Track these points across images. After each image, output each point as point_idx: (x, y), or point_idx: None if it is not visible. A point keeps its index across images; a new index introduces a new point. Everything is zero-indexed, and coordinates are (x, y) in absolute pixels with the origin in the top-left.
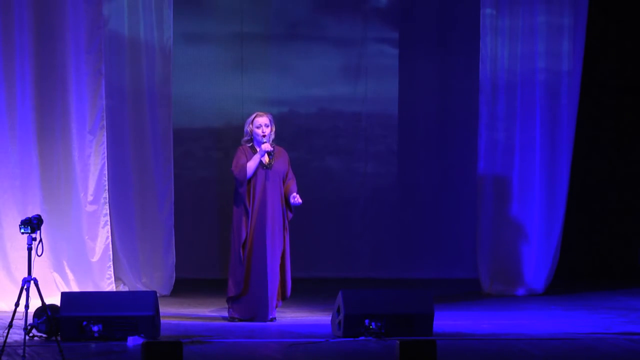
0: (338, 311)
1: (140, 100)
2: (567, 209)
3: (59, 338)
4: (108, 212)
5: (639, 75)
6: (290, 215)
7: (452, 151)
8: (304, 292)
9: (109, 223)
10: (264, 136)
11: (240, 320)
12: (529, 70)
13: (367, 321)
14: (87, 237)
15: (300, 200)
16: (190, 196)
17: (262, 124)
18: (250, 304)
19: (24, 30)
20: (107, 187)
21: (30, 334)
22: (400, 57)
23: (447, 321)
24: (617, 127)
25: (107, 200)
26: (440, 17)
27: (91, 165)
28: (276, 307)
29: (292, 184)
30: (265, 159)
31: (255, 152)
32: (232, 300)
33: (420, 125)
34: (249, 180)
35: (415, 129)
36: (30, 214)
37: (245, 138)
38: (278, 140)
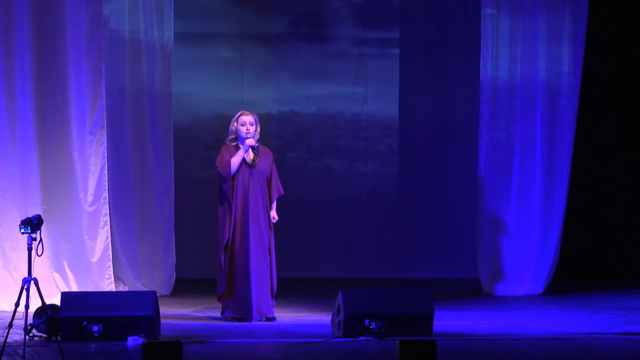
0: (338, 311)
1: (140, 100)
2: (566, 208)
3: (59, 338)
4: (108, 212)
5: (638, 76)
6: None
7: (452, 151)
8: (304, 292)
9: (108, 223)
10: (248, 133)
11: (238, 320)
12: (529, 70)
13: (367, 321)
14: (87, 237)
15: (277, 218)
16: (190, 196)
17: (246, 122)
18: (239, 303)
19: (24, 30)
20: (107, 187)
21: (30, 334)
22: (400, 57)
23: (447, 321)
24: (617, 127)
25: (107, 200)
26: (441, 17)
27: (91, 165)
28: (273, 306)
29: (275, 189)
30: (250, 155)
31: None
32: (223, 299)
33: (420, 125)
34: (233, 177)
35: (415, 129)
36: (30, 214)
37: (230, 137)
38: (278, 140)
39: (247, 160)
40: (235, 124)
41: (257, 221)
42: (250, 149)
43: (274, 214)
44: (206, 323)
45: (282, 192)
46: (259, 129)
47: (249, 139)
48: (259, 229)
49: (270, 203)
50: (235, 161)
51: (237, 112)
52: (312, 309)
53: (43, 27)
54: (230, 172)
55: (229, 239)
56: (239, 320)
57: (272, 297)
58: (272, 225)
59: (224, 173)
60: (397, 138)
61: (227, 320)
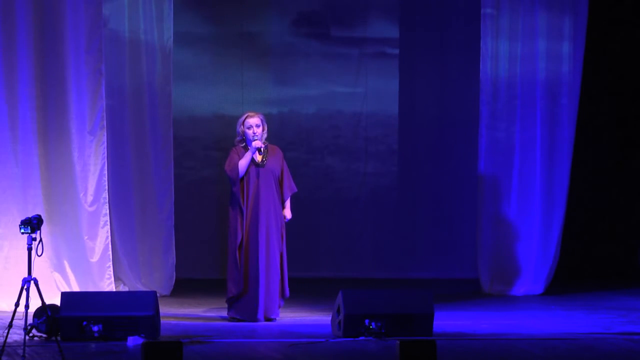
0: (338, 311)
1: (140, 100)
2: (567, 208)
3: (59, 338)
4: (108, 212)
5: (639, 76)
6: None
7: (452, 151)
8: (304, 292)
9: (108, 223)
10: (254, 135)
11: (241, 320)
12: (529, 70)
13: (367, 321)
14: (87, 237)
15: (289, 217)
16: (190, 196)
17: (252, 125)
18: (247, 305)
19: (25, 30)
20: (107, 187)
21: (30, 334)
22: (400, 57)
23: (447, 321)
24: (617, 126)
25: (107, 200)
26: (440, 17)
27: (91, 165)
28: (279, 307)
29: (287, 188)
30: (258, 157)
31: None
32: (232, 301)
33: (420, 124)
34: (242, 179)
35: (415, 128)
36: (30, 214)
37: (238, 138)
38: (278, 140)
39: (256, 160)
40: (241, 126)
41: (267, 222)
42: (257, 151)
43: (288, 212)
44: (206, 323)
45: (296, 189)
46: (266, 128)
47: (256, 141)
48: (270, 230)
49: (284, 202)
50: (242, 163)
51: (242, 113)
52: (312, 309)
53: (43, 27)
54: (238, 174)
55: (242, 239)
56: (240, 320)
57: (281, 297)
58: (284, 225)
59: (233, 176)
60: (397, 138)
61: (228, 320)
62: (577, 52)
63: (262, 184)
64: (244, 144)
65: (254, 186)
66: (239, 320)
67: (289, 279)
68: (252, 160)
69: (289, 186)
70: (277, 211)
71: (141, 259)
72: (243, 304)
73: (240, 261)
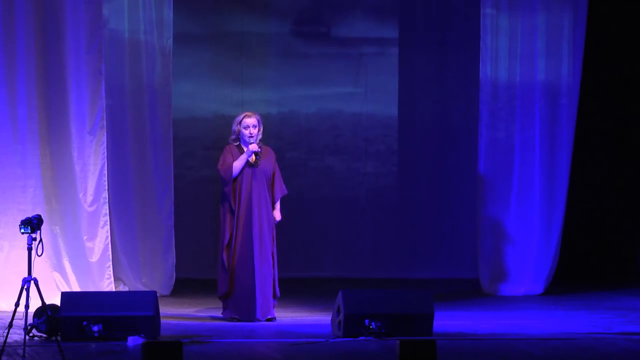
0: (338, 311)
1: (140, 100)
2: (566, 208)
3: (59, 338)
4: (108, 212)
5: (639, 75)
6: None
7: (452, 151)
8: (304, 292)
9: (108, 223)
10: (250, 137)
11: (239, 320)
12: (529, 70)
13: (367, 321)
14: (86, 237)
15: (279, 218)
16: (190, 196)
17: (249, 125)
18: (240, 303)
19: (25, 30)
20: (107, 187)
21: (30, 334)
22: (400, 57)
23: (447, 321)
24: (617, 126)
25: (107, 200)
26: (440, 17)
27: (91, 165)
28: (273, 306)
29: (278, 189)
30: (252, 158)
31: (242, 151)
32: (223, 299)
33: (420, 124)
34: (235, 178)
35: (415, 128)
36: (30, 214)
37: (233, 137)
38: (278, 140)
39: (250, 161)
40: (238, 125)
41: (260, 223)
42: (253, 154)
43: (277, 214)
44: (206, 323)
45: (286, 191)
46: (261, 129)
47: (252, 145)
48: (262, 230)
49: (274, 203)
50: (237, 165)
51: (239, 112)
52: (312, 309)
53: (44, 27)
54: (231, 176)
55: (230, 239)
56: (239, 320)
57: (273, 297)
58: (274, 226)
59: (226, 177)
60: (397, 138)
61: (227, 320)
62: (577, 52)
63: (255, 184)
64: (238, 142)
65: (246, 186)
66: (236, 320)
67: (288, 279)
68: (247, 160)
69: (280, 188)
70: (268, 212)
71: (141, 259)
72: (238, 303)
73: (229, 261)
